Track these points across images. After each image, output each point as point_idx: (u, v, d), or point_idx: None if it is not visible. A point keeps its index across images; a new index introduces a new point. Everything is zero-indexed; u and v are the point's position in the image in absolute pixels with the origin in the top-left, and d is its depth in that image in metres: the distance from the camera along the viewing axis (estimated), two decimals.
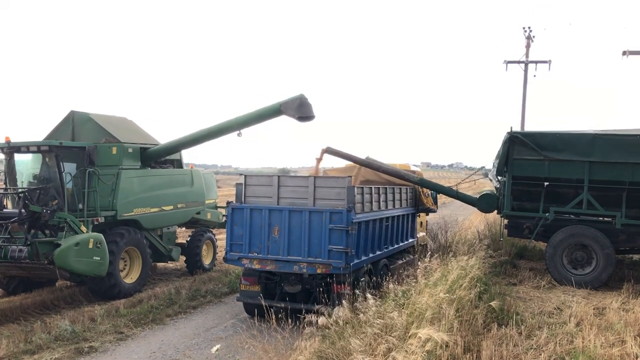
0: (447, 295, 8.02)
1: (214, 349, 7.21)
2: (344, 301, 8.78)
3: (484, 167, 19.66)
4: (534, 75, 33.77)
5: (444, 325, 6.98)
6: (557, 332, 8.68)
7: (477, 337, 7.95)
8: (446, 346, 6.71)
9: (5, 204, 13.52)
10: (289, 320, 8.62)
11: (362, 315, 7.98)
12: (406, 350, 5.95)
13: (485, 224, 21.68)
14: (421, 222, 18.21)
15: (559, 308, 10.97)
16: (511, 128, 14.21)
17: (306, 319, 7.84)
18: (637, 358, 6.94)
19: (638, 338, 8.05)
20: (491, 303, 8.99)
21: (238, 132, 15.28)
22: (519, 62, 34.15)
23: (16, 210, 12.38)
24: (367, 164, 15.61)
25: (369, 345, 6.65)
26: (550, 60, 33.60)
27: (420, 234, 17.54)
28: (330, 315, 8.08)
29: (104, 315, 12.02)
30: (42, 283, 14.71)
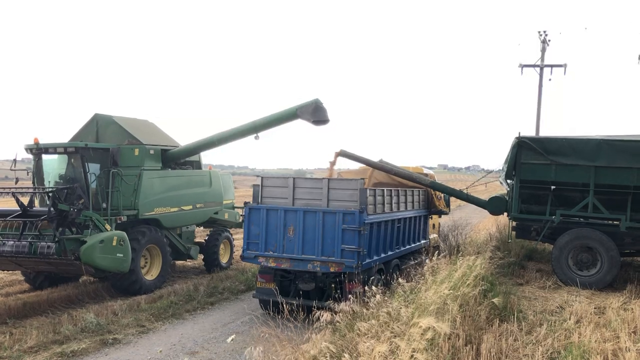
0: (451, 292, 8.45)
1: (229, 338, 7.73)
2: (350, 296, 9.19)
3: (500, 169, 19.86)
4: (549, 79, 33.78)
5: (447, 318, 7.42)
6: (557, 329, 9.04)
7: (479, 331, 8.38)
8: (448, 338, 7.17)
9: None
10: (302, 314, 9.09)
11: (365, 310, 8.42)
12: (409, 338, 6.42)
13: (497, 227, 21.95)
14: (433, 224, 18.57)
15: (561, 307, 11.30)
16: (519, 133, 14.52)
17: (317, 314, 8.31)
18: (629, 352, 7.31)
19: (633, 334, 8.45)
20: (493, 300, 9.41)
21: (255, 135, 15.73)
22: (534, 65, 34.20)
23: (43, 209, 12.96)
24: (380, 167, 15.99)
25: (375, 336, 7.11)
26: (565, 64, 33.55)
27: (433, 236, 17.91)
28: (337, 312, 8.51)
29: (126, 310, 12.56)
30: (67, 278, 15.30)
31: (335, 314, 8.30)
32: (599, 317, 10.04)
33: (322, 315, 7.90)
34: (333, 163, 15.56)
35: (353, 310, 8.39)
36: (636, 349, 7.47)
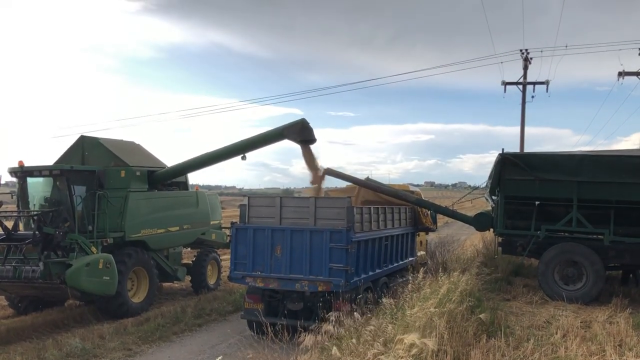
0: (437, 309, 8.47)
1: (217, 359, 7.70)
2: (333, 317, 9.17)
3: (485, 185, 19.89)
4: (532, 97, 34.20)
5: (433, 335, 7.43)
6: (543, 343, 9.08)
7: (466, 347, 8.39)
8: (436, 355, 7.18)
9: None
10: (288, 334, 9.07)
11: (350, 329, 8.41)
12: (394, 355, 6.43)
13: (484, 243, 22.05)
14: (421, 242, 18.65)
15: (548, 321, 11.33)
16: (502, 149, 14.69)
17: (302, 335, 8.28)
18: None
19: (618, 347, 8.52)
20: (480, 316, 9.44)
21: (242, 155, 15.80)
22: (516, 83, 34.58)
23: (28, 232, 12.86)
24: (366, 185, 16.08)
25: (361, 354, 7.11)
26: (548, 81, 33.95)
27: (420, 253, 17.97)
28: (322, 333, 8.49)
29: (113, 333, 12.37)
30: (52, 303, 15.10)
31: (321, 335, 8.28)
32: (585, 331, 10.10)
33: (306, 337, 7.87)
34: (322, 178, 15.60)
35: (337, 331, 8.37)
36: None
